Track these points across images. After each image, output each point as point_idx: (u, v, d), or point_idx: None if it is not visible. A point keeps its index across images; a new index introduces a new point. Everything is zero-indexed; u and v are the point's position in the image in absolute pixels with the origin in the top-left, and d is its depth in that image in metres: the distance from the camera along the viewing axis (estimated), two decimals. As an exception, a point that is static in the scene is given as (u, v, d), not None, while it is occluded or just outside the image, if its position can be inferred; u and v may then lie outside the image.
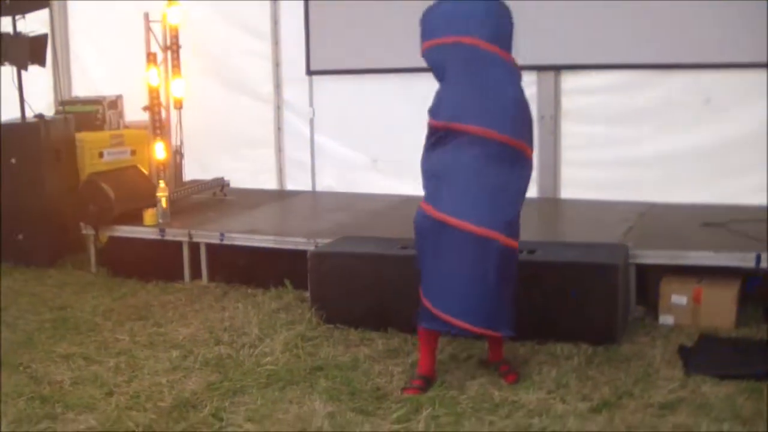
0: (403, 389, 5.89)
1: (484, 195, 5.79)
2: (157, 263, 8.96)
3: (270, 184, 11.54)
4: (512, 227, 5.89)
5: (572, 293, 6.57)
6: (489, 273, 5.78)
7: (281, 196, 11.19)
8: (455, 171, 5.83)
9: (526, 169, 5.99)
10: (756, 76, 9.00)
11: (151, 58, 9.69)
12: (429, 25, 6.04)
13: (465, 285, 5.81)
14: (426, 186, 5.98)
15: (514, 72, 6.02)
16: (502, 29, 6.01)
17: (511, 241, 5.87)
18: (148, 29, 9.68)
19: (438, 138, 5.89)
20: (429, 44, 6.00)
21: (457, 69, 5.88)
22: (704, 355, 6.19)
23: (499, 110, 5.85)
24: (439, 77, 5.99)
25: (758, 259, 6.90)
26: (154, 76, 9.76)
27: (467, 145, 5.79)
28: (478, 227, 5.73)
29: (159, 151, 9.80)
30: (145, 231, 9.13)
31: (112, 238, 9.32)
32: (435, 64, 6.00)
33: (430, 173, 5.95)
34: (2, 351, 6.83)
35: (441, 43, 5.92)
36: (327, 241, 7.95)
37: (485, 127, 5.77)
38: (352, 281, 7.18)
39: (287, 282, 8.15)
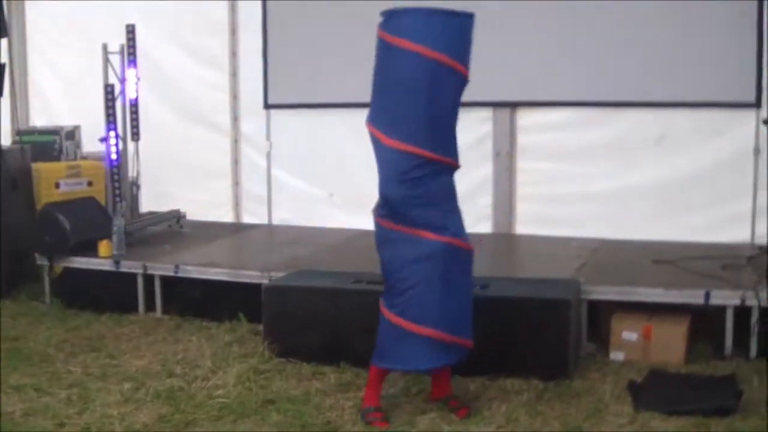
0: (373, 423, 5.91)
1: (427, 203, 5.86)
2: (112, 295, 8.91)
3: (227, 216, 11.56)
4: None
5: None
6: (467, 283, 6.05)
7: (237, 229, 11.20)
8: (450, 196, 5.95)
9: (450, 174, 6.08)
10: (708, 115, 9.15)
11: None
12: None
13: (469, 301, 6.00)
14: (422, 214, 5.87)
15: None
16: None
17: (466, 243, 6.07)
18: (107, 60, 9.68)
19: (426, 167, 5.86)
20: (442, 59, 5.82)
21: (445, 93, 5.86)
22: (654, 391, 6.23)
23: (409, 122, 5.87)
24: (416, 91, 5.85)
25: (707, 296, 6.97)
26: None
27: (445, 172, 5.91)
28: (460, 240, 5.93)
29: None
30: (100, 262, 9.08)
31: (67, 269, 9.27)
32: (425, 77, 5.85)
33: (424, 200, 5.88)
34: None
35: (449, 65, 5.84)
36: (281, 274, 7.96)
37: (451, 157, 5.89)
38: (306, 315, 7.17)
39: (241, 315, 8.14)
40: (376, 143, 6.00)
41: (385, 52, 5.91)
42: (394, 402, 6.19)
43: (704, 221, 9.09)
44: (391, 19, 5.83)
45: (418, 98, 5.76)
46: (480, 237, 8.68)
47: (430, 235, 5.79)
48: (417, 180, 5.76)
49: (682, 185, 9.23)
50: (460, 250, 5.90)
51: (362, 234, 9.64)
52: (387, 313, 5.93)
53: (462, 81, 5.93)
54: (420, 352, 5.86)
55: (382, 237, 5.98)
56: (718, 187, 9.13)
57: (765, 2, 8.78)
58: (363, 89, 10.31)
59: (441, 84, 5.79)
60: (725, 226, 9.08)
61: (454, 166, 5.94)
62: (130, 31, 9.87)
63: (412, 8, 5.83)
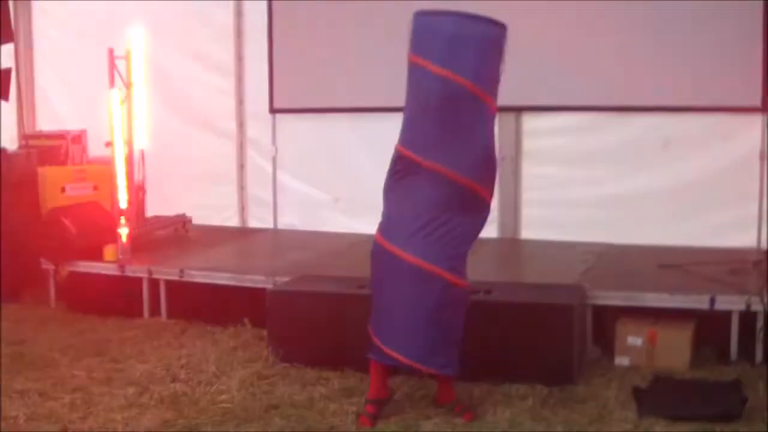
0: (360, 417, 5.99)
1: (433, 232, 5.86)
2: (117, 299, 8.92)
3: (232, 221, 11.56)
4: (456, 267, 5.95)
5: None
6: (429, 309, 5.88)
7: (243, 233, 11.20)
8: (412, 206, 5.90)
9: (483, 213, 6.05)
10: (715, 120, 9.11)
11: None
12: (424, 38, 5.89)
13: (403, 318, 5.92)
14: (384, 215, 6.07)
15: (490, 117, 6.01)
16: (489, 66, 5.95)
17: (459, 280, 5.94)
18: (113, 65, 9.68)
19: (404, 168, 5.93)
20: (421, 63, 5.84)
21: (436, 103, 5.81)
22: (658, 396, 6.22)
23: (466, 153, 5.86)
24: (414, 101, 5.94)
25: (712, 301, 6.96)
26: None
27: (428, 181, 5.85)
28: (425, 262, 5.83)
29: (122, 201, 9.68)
30: (105, 267, 9.10)
31: (72, 273, 9.28)
32: (417, 87, 5.93)
33: (391, 204, 6.01)
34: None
35: (431, 71, 5.80)
36: (286, 279, 7.96)
37: (450, 167, 5.82)
38: (310, 320, 7.17)
39: (246, 320, 8.15)
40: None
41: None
42: (398, 407, 6.19)
43: (710, 226, 9.05)
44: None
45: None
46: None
47: (379, 239, 6.10)
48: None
49: (688, 190, 9.20)
50: (405, 265, 5.92)
51: (367, 239, 9.56)
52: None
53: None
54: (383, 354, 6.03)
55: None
56: (724, 191, 9.09)
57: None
58: (369, 94, 10.40)
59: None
60: (732, 230, 9.04)
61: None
62: (136, 35, 9.87)
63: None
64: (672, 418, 5.81)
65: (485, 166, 5.96)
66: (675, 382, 6.55)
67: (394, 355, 5.89)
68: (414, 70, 5.91)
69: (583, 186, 9.64)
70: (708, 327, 7.12)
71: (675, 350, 6.92)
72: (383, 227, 6.05)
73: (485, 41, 5.88)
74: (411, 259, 5.84)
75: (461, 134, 5.85)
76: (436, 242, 5.86)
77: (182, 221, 10.73)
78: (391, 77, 10.06)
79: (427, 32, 5.86)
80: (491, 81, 5.94)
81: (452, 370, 6.01)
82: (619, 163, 9.52)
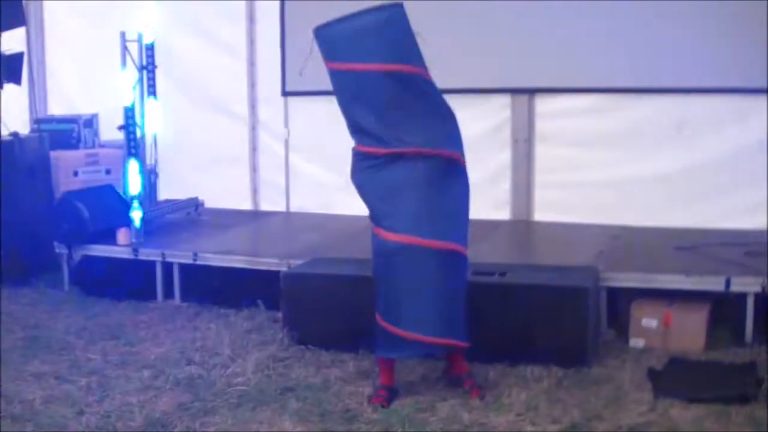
0: (373, 399, 6.02)
1: (439, 210, 5.92)
2: (131, 282, 8.94)
3: (245, 204, 11.55)
4: (467, 238, 6.06)
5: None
6: (456, 286, 5.98)
7: (255, 216, 11.20)
8: (406, 191, 5.94)
9: (464, 178, 6.13)
10: (728, 101, 9.08)
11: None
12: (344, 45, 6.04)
13: (432, 301, 5.94)
14: (375, 209, 6.07)
15: (431, 84, 6.04)
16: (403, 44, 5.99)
17: (466, 250, 6.05)
18: (125, 49, 9.67)
19: (377, 162, 6.00)
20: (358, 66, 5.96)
21: (389, 96, 5.92)
22: (673, 378, 6.22)
23: (434, 127, 5.98)
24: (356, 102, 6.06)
25: (728, 283, 6.95)
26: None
27: (411, 163, 5.90)
28: (442, 242, 5.86)
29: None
30: (119, 250, 9.12)
31: (85, 257, 9.30)
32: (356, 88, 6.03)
33: (376, 196, 6.04)
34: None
35: (373, 70, 5.90)
36: (300, 262, 7.96)
37: (426, 146, 5.91)
38: (325, 302, 7.17)
39: (260, 302, 8.15)
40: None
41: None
42: (413, 390, 6.19)
43: (724, 208, 9.02)
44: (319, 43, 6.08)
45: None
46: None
47: (384, 234, 5.97)
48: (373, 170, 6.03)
49: (702, 171, 9.17)
50: (419, 250, 5.90)
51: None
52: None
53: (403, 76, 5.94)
54: (395, 345, 6.02)
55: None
56: (738, 173, 9.06)
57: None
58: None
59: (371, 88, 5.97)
60: (745, 212, 9.00)
61: (416, 154, 5.95)
62: (149, 19, 9.86)
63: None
64: (687, 399, 5.80)
65: (449, 132, 6.04)
66: (690, 364, 6.55)
67: (427, 339, 5.88)
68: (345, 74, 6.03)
69: (597, 168, 9.61)
70: (723, 309, 7.12)
71: (690, 332, 6.91)
72: (380, 220, 6.02)
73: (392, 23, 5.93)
74: (429, 243, 5.85)
75: (426, 113, 5.97)
76: (444, 219, 5.92)
77: (195, 204, 10.73)
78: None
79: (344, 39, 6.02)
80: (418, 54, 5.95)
81: (469, 340, 6.07)
82: (633, 145, 9.49)
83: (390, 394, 6.07)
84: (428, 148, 5.90)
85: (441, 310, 5.93)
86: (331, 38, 6.03)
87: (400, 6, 5.91)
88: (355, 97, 6.01)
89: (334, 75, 6.06)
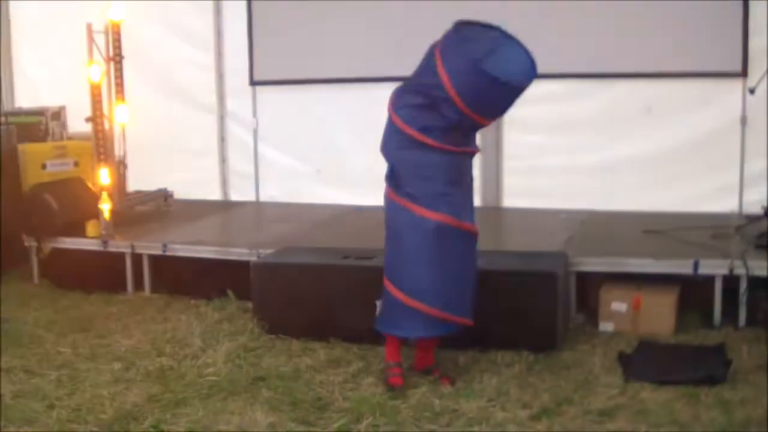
0: (389, 379, 6.07)
1: (469, 194, 6.16)
2: (101, 275, 8.90)
3: (214, 194, 11.55)
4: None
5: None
6: (467, 265, 6.14)
7: (225, 206, 11.19)
8: (463, 179, 6.09)
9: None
10: (695, 85, 9.15)
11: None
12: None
13: (471, 284, 6.10)
14: (444, 194, 5.97)
15: None
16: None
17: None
18: (91, 40, 9.61)
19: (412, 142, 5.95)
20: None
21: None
22: (643, 361, 6.26)
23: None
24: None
25: (696, 265, 6.99)
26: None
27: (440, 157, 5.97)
28: (471, 224, 6.08)
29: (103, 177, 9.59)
30: (88, 242, 9.10)
31: (55, 250, 9.27)
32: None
33: (447, 180, 5.99)
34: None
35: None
36: (270, 251, 7.95)
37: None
38: (295, 292, 7.16)
39: (230, 293, 8.14)
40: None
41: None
42: (383, 377, 6.18)
43: (693, 191, 9.11)
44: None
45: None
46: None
47: (424, 212, 5.87)
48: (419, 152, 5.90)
49: (670, 156, 9.24)
50: (456, 231, 5.94)
51: (350, 210, 9.68)
52: (386, 282, 6.06)
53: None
54: (414, 323, 6.00)
55: (387, 206, 6.10)
56: (706, 157, 9.14)
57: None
58: (349, 65, 10.37)
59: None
60: (714, 196, 9.10)
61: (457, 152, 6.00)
62: (115, 10, 9.81)
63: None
64: (657, 382, 5.84)
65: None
66: (660, 347, 6.60)
67: (422, 307, 5.91)
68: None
69: (565, 153, 9.67)
70: (692, 292, 7.17)
71: (659, 315, 6.95)
72: (451, 208, 5.99)
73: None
74: (466, 225, 6.01)
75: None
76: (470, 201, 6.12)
77: (164, 196, 10.71)
78: (370, 48, 10.11)
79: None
80: None
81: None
82: (601, 130, 9.55)
83: (401, 370, 6.13)
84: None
85: (446, 284, 5.97)
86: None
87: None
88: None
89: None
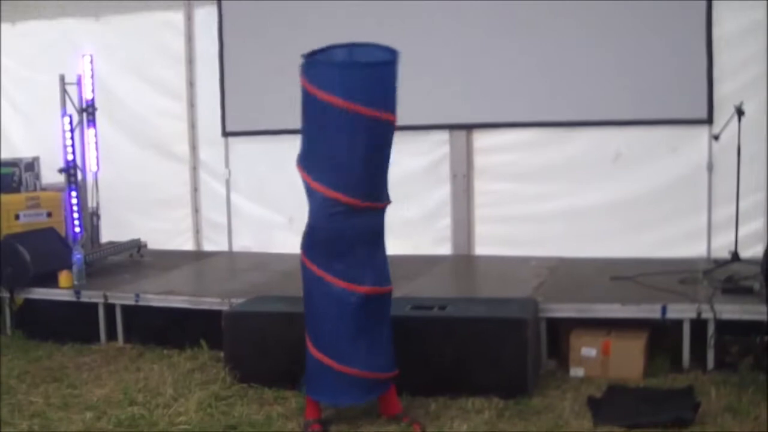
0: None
1: (383, 256, 6.15)
2: (73, 325, 8.88)
3: (187, 244, 11.57)
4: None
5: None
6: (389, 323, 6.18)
7: (198, 256, 11.21)
8: (361, 242, 6.06)
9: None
10: (662, 132, 9.25)
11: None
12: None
13: (389, 341, 6.14)
14: (335, 258, 6.07)
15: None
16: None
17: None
18: (64, 92, 9.67)
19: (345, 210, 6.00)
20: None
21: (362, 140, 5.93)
22: (612, 405, 6.29)
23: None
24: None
25: (664, 310, 7.06)
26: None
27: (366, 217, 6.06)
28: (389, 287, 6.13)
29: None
30: (60, 293, 9.07)
31: (27, 300, 9.25)
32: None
33: (345, 246, 6.03)
34: None
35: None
36: (241, 300, 7.97)
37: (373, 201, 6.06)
38: (266, 340, 7.18)
39: (203, 342, 8.15)
40: (305, 184, 6.21)
41: (305, 98, 5.98)
42: (355, 423, 6.21)
43: (661, 237, 9.20)
44: (308, 67, 5.90)
45: (336, 145, 5.90)
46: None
47: (346, 285, 5.98)
48: (340, 218, 5.95)
49: (638, 202, 9.34)
50: (377, 296, 6.03)
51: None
52: (310, 346, 6.16)
53: (385, 126, 5.95)
54: (342, 388, 6.08)
55: (305, 275, 6.22)
56: (673, 203, 9.24)
57: (713, 20, 8.91)
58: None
59: (357, 131, 5.84)
60: (682, 241, 9.19)
61: (378, 208, 6.08)
62: (88, 62, 9.88)
63: (327, 59, 5.94)
64: (627, 425, 5.88)
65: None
66: (629, 391, 6.63)
67: (349, 371, 5.97)
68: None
69: (535, 201, 9.74)
70: (661, 336, 7.24)
71: (629, 360, 7.00)
72: (345, 274, 6.07)
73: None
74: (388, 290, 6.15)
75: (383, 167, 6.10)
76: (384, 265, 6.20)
77: (137, 246, 10.72)
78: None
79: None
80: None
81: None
82: (570, 178, 9.63)
83: (324, 427, 6.13)
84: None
85: (369, 345, 6.05)
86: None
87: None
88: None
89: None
